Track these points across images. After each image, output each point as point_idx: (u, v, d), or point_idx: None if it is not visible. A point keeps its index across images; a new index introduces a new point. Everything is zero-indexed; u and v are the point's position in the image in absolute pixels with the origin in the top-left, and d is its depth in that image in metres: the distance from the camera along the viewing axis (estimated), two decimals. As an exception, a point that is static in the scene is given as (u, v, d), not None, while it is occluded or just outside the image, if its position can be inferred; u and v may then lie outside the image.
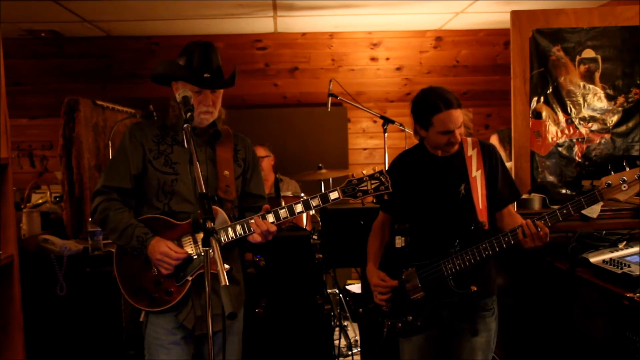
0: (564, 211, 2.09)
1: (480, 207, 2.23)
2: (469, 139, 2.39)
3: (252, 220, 2.08)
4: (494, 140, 4.72)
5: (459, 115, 2.22)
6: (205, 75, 2.08)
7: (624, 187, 2.02)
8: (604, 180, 2.02)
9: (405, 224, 2.39)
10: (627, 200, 3.06)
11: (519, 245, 2.14)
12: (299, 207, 2.10)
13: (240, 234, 2.10)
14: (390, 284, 2.30)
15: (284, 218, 2.10)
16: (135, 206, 2.21)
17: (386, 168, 3.00)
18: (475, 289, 2.17)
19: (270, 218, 2.10)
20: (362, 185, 2.09)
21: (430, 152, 2.37)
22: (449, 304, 2.22)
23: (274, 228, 2.11)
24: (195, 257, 2.10)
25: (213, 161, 2.20)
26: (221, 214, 2.11)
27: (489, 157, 2.32)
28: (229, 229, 2.09)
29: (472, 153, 2.31)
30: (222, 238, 2.08)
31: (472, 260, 2.16)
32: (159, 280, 2.10)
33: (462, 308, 2.24)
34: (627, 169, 2.04)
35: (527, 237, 2.10)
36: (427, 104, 2.24)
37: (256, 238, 2.10)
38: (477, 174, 2.27)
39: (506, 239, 2.14)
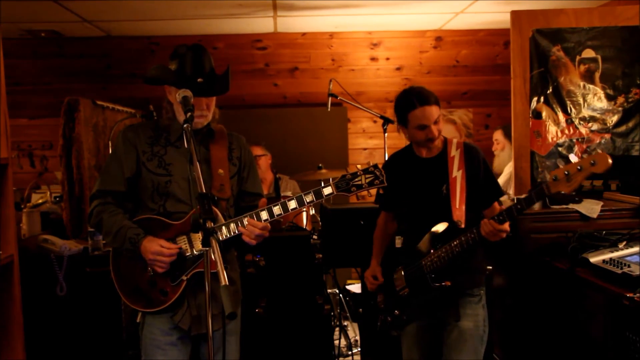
0: (519, 206, 2.13)
1: (457, 206, 2.30)
2: (455, 140, 2.45)
3: (246, 221, 2.06)
4: (499, 135, 4.70)
5: (434, 112, 2.31)
6: (198, 80, 2.06)
7: (567, 179, 2.05)
8: (552, 173, 2.06)
9: (405, 224, 2.49)
10: (627, 200, 3.07)
11: (486, 241, 2.20)
12: (292, 204, 2.06)
13: (234, 232, 2.07)
14: (379, 282, 2.50)
15: (277, 215, 2.07)
16: (132, 209, 2.20)
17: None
18: (450, 284, 2.28)
19: (264, 215, 2.07)
20: (356, 179, 2.06)
21: (416, 153, 2.44)
22: (431, 298, 2.33)
23: (264, 227, 2.04)
24: (190, 255, 2.10)
25: (207, 160, 2.19)
26: (216, 213, 2.10)
27: (470, 158, 2.38)
28: (223, 227, 2.08)
29: (455, 154, 2.38)
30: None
31: (446, 257, 2.26)
32: (154, 280, 2.10)
33: (444, 301, 2.33)
34: (573, 160, 2.08)
35: (487, 235, 2.17)
36: (402, 103, 2.37)
37: (248, 240, 2.07)
38: (457, 174, 2.34)
39: (471, 235, 2.21)
